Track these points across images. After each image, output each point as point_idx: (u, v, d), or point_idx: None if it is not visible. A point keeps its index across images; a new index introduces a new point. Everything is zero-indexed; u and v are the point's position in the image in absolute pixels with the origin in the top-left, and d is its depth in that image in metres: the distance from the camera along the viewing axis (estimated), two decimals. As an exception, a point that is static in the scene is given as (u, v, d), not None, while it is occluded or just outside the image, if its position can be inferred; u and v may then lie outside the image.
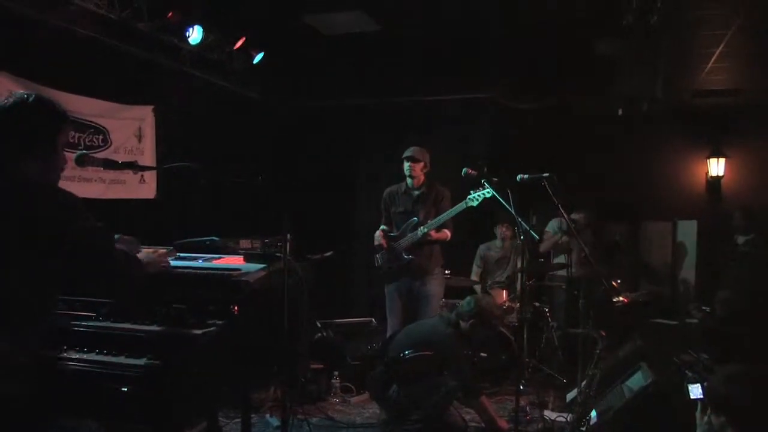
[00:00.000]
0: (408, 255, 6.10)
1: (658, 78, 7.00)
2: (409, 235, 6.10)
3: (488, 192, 5.47)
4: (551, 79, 8.24)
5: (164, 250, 3.26)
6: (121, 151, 6.57)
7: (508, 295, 7.41)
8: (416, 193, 6.23)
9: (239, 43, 7.41)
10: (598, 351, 4.44)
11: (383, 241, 6.24)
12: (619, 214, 8.98)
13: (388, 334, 6.14)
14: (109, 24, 6.22)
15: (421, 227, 6.03)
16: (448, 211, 5.98)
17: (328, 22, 7.44)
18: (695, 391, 4.08)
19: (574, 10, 6.76)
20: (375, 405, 5.96)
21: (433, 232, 6.03)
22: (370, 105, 9.16)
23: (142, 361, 2.72)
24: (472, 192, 5.73)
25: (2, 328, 2.43)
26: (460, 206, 5.88)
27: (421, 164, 6.16)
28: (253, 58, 7.67)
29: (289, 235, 3.82)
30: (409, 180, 6.23)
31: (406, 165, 6.18)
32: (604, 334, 4.42)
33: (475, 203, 5.78)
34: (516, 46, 7.60)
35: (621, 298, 7.03)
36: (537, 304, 7.41)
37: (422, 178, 6.20)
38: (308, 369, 6.12)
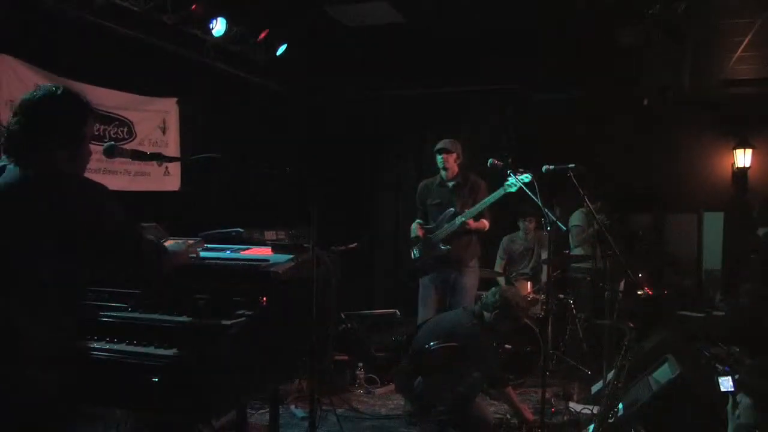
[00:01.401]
0: (445, 245, 6.07)
1: (686, 67, 6.94)
2: (447, 225, 6.06)
3: (527, 177, 5.28)
4: (576, 69, 8.18)
5: (192, 241, 3.27)
6: (145, 143, 6.61)
7: (533, 286, 7.37)
8: (451, 184, 6.19)
9: (262, 35, 7.40)
10: (626, 343, 4.39)
11: (420, 232, 6.21)
12: (644, 206, 8.91)
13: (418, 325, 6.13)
14: (133, 16, 6.24)
15: (459, 216, 5.98)
16: (486, 199, 5.93)
17: (351, 13, 7.43)
18: (726, 383, 4.04)
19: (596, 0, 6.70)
20: (399, 396, 5.97)
21: (471, 222, 5.98)
22: (394, 96, 9.14)
23: (171, 352, 2.73)
24: (510, 178, 5.54)
25: (39, 318, 2.45)
26: (499, 193, 5.79)
27: (454, 155, 6.13)
28: (276, 50, 7.66)
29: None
30: (443, 172, 6.19)
31: (439, 157, 6.15)
32: (632, 325, 4.38)
33: (514, 189, 5.61)
34: (541, 37, 7.55)
35: (645, 290, 6.98)
36: (561, 296, 7.37)
37: (456, 169, 6.16)
38: (333, 360, 6.13)
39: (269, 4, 7.05)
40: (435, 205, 6.25)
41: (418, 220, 6.33)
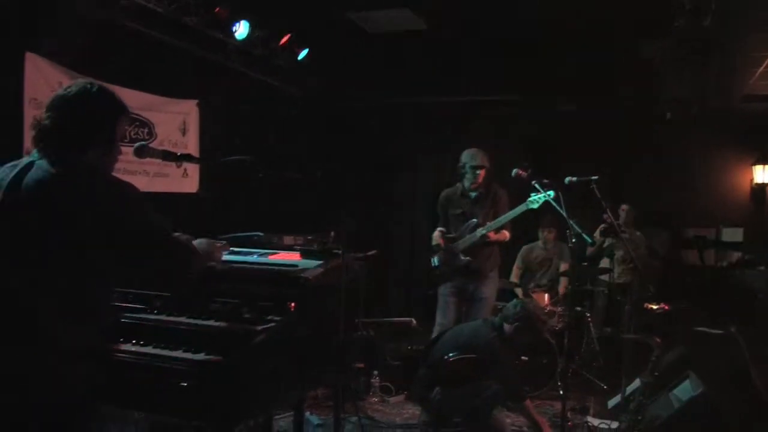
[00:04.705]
0: (465, 256, 6.04)
1: (709, 82, 6.89)
2: (468, 236, 6.02)
3: (551, 194, 5.27)
4: (598, 81, 8.14)
5: (219, 243, 3.23)
6: (165, 144, 6.58)
7: (550, 298, 7.32)
8: (473, 194, 6.14)
9: (284, 40, 7.39)
10: (653, 358, 4.34)
11: (441, 241, 6.16)
12: (663, 221, 8.84)
13: (434, 335, 6.09)
14: (157, 18, 6.23)
15: (480, 228, 5.95)
16: (508, 213, 5.89)
17: (373, 19, 7.42)
18: None
19: (624, 12, 6.66)
20: (414, 406, 5.92)
21: (491, 234, 5.95)
22: (412, 104, 9.12)
23: (200, 356, 2.69)
24: (533, 194, 5.55)
25: (66, 313, 2.42)
26: (521, 208, 5.77)
27: (485, 170, 6.08)
28: (297, 54, 7.66)
29: (332, 233, 3.78)
30: (466, 182, 6.14)
31: (476, 173, 6.06)
32: (659, 340, 4.33)
33: (535, 206, 5.63)
34: (564, 48, 7.52)
35: (662, 305, 6.91)
36: (578, 308, 7.31)
37: (481, 181, 6.12)
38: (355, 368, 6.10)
39: (292, 9, 7.03)
40: (457, 215, 6.21)
41: (440, 228, 6.28)
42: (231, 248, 3.39)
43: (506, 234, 6.06)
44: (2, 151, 4.02)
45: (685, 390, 4.92)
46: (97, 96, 2.61)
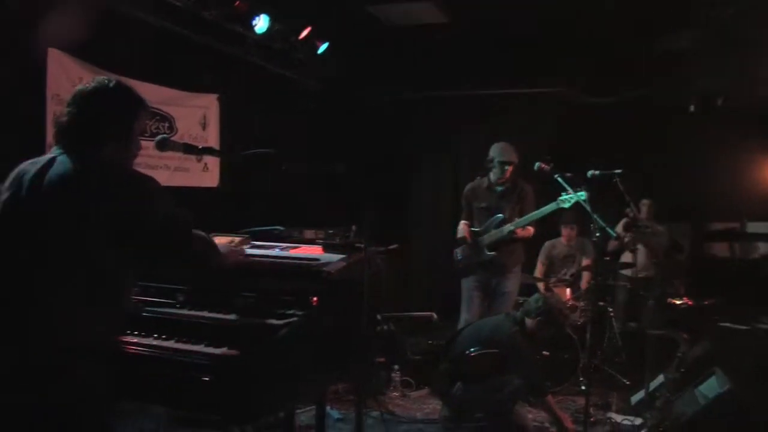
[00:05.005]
0: (491, 251, 6.00)
1: (734, 74, 6.81)
2: (494, 231, 6.00)
3: (582, 195, 5.16)
4: (620, 74, 8.05)
5: (239, 239, 3.22)
6: (186, 138, 6.56)
7: (572, 293, 7.26)
8: (499, 189, 6.10)
9: (304, 33, 7.35)
10: (679, 354, 4.28)
11: (467, 235, 6.13)
12: (685, 214, 8.73)
13: (459, 328, 6.06)
14: (176, 12, 6.23)
15: (508, 225, 5.91)
16: (537, 211, 5.85)
17: (393, 13, 7.37)
18: None
19: (647, 3, 6.57)
20: (435, 400, 5.90)
21: (518, 231, 5.92)
22: (434, 98, 9.06)
23: (221, 351, 2.67)
24: (563, 194, 5.45)
25: (85, 308, 2.42)
26: (551, 207, 5.71)
27: (513, 165, 6.03)
28: (317, 48, 7.62)
29: (354, 227, 3.76)
30: (493, 176, 6.10)
31: (504, 168, 6.01)
32: (686, 336, 4.27)
33: (567, 205, 5.54)
34: (584, 40, 7.43)
35: (685, 300, 6.84)
36: (601, 303, 7.24)
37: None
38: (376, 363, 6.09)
39: (312, 3, 7.00)
40: (482, 208, 6.17)
41: (465, 221, 6.24)
42: (252, 242, 3.38)
43: (531, 230, 6.04)
44: (25, 147, 4.04)
45: (711, 387, 4.84)
46: (113, 91, 2.63)
